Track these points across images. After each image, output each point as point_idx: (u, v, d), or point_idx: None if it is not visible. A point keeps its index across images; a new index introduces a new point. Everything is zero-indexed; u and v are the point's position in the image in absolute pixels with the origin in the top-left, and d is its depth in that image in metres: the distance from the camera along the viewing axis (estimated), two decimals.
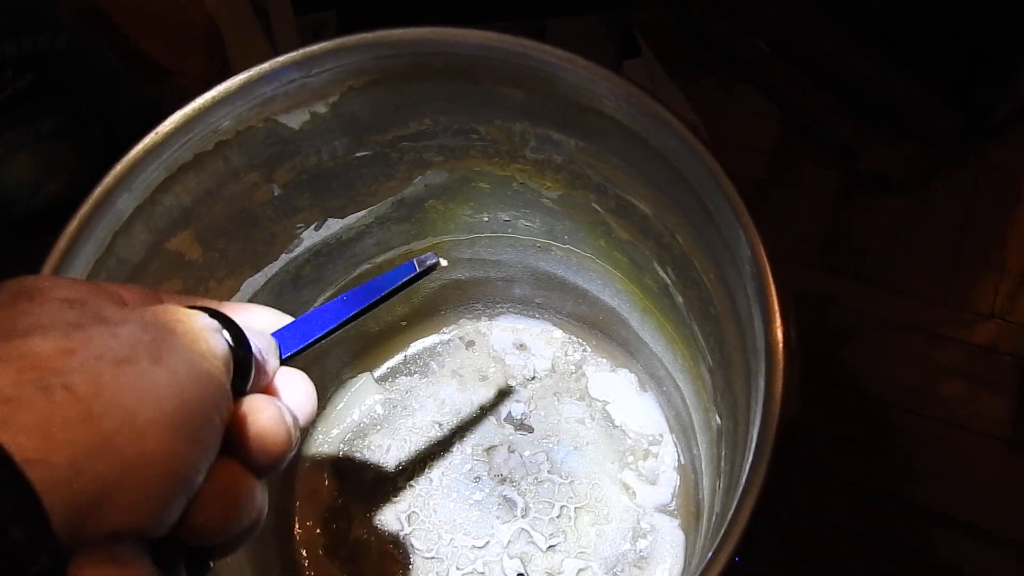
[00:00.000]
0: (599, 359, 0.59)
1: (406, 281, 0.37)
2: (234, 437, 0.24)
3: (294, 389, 0.28)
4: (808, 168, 0.73)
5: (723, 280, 0.35)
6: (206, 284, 0.43)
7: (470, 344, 0.61)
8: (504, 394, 0.58)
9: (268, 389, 0.27)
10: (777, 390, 0.28)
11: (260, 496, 0.25)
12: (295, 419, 0.26)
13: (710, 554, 0.27)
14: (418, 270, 0.36)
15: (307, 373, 0.48)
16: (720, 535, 0.28)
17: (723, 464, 0.40)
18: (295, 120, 0.40)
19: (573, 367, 0.59)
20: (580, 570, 0.53)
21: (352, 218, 0.48)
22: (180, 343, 0.22)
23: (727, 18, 0.77)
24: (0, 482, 0.17)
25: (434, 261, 0.36)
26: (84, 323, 0.21)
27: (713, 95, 0.76)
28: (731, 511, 0.28)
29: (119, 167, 0.36)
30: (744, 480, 0.28)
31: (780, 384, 0.28)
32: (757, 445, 0.28)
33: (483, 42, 0.35)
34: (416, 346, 0.61)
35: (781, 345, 0.28)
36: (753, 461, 0.28)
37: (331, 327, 0.33)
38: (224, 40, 0.86)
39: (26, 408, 0.18)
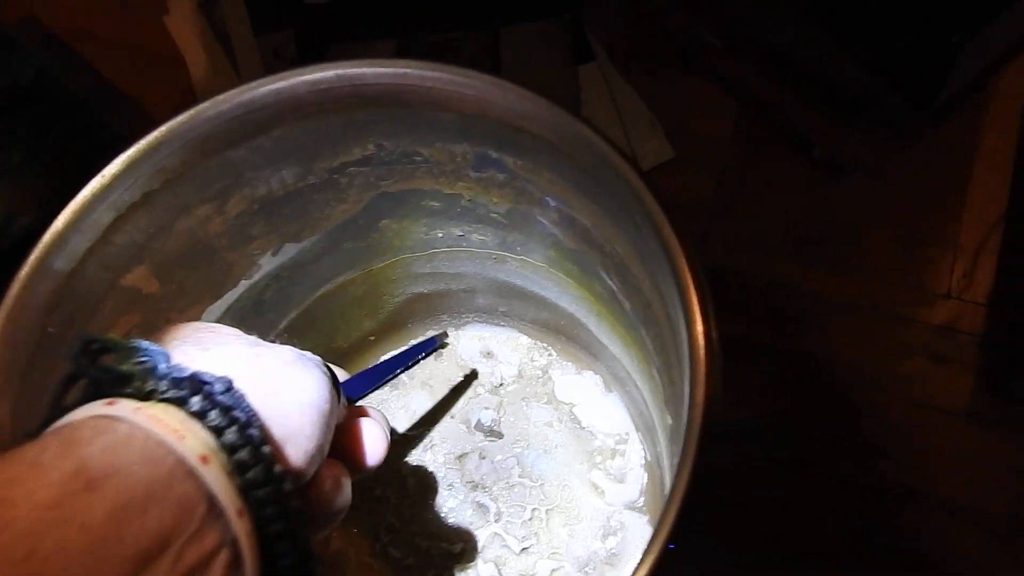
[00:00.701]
0: (565, 362, 0.60)
1: (428, 352, 0.52)
2: (346, 446, 0.34)
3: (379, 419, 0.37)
4: (766, 157, 0.74)
5: (656, 286, 0.37)
6: (166, 315, 0.44)
7: (438, 355, 0.62)
8: (473, 402, 0.60)
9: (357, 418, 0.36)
10: (699, 393, 0.29)
11: (350, 490, 0.33)
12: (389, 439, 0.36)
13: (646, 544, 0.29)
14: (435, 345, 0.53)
15: None
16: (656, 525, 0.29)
17: (674, 462, 0.42)
18: (241, 154, 0.41)
19: (540, 371, 0.61)
20: (553, 570, 0.54)
21: (308, 241, 0.49)
22: (312, 363, 0.32)
23: (679, 12, 0.78)
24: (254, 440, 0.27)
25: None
26: (256, 344, 0.31)
27: (670, 89, 0.77)
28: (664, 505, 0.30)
29: (68, 211, 0.37)
30: (674, 476, 0.29)
31: (702, 387, 0.29)
32: (684, 444, 0.29)
33: (411, 72, 0.37)
34: (386, 359, 0.62)
35: (702, 349, 0.30)
36: (681, 459, 0.29)
37: (379, 383, 0.45)
38: (187, 64, 0.87)
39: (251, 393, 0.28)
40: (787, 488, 0.62)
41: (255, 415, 0.27)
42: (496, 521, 0.56)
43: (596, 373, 0.59)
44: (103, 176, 0.37)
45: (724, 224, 0.72)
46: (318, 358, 0.33)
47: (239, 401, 0.27)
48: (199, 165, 0.40)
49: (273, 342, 0.53)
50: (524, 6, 0.80)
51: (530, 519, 0.56)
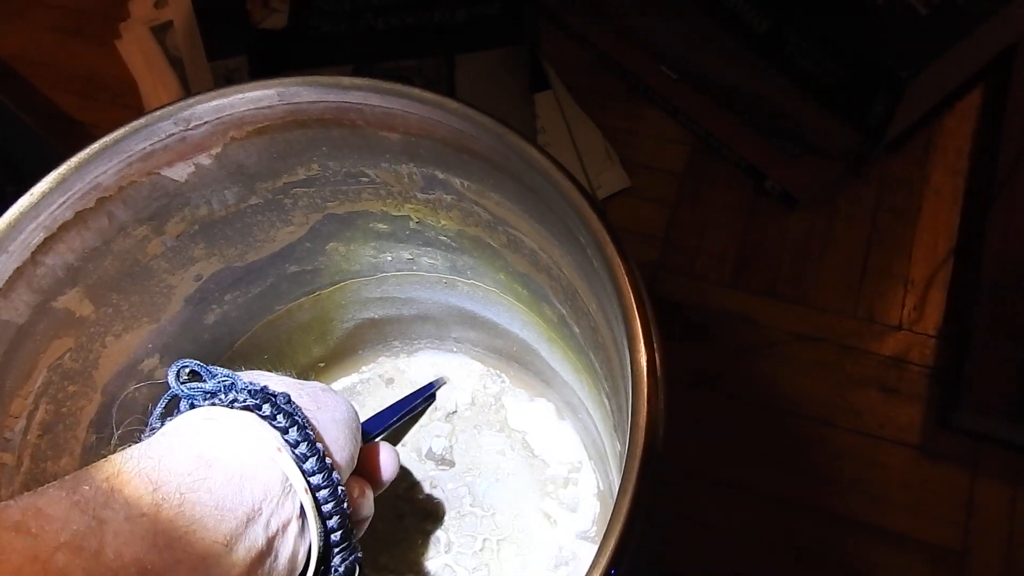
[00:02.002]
0: (517, 390, 0.60)
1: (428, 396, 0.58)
2: (365, 466, 0.41)
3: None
4: (719, 189, 0.75)
5: (602, 310, 0.36)
6: (102, 339, 0.43)
7: (389, 382, 0.61)
8: (424, 430, 0.58)
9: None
10: (640, 417, 0.28)
11: (372, 501, 0.40)
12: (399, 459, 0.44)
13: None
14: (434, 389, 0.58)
15: None
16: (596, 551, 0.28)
17: None
18: (179, 173, 0.40)
19: (492, 399, 0.60)
20: None
21: (253, 265, 0.48)
22: (338, 393, 0.39)
23: (633, 47, 0.79)
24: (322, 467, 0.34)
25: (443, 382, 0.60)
26: (294, 379, 0.38)
27: (624, 122, 0.78)
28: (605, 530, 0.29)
29: None
30: (615, 502, 0.29)
31: (644, 411, 0.29)
32: (624, 470, 0.29)
33: (353, 91, 0.36)
34: (336, 386, 0.61)
35: (644, 373, 0.29)
36: (621, 485, 0.28)
37: (386, 428, 0.50)
38: (140, 90, 0.86)
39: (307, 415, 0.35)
40: (728, 512, 0.62)
41: (309, 420, 0.34)
42: (447, 552, 0.54)
43: (549, 400, 0.58)
44: (31, 194, 0.36)
45: (676, 254, 0.72)
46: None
47: (297, 409, 0.34)
48: (135, 184, 0.39)
49: (221, 367, 0.52)
50: (479, 35, 0.80)
51: (481, 549, 0.54)
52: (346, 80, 0.36)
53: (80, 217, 0.38)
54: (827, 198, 0.73)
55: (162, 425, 0.34)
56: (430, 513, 0.56)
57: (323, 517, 0.34)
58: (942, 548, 0.60)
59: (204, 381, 0.34)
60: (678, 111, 0.77)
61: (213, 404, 0.33)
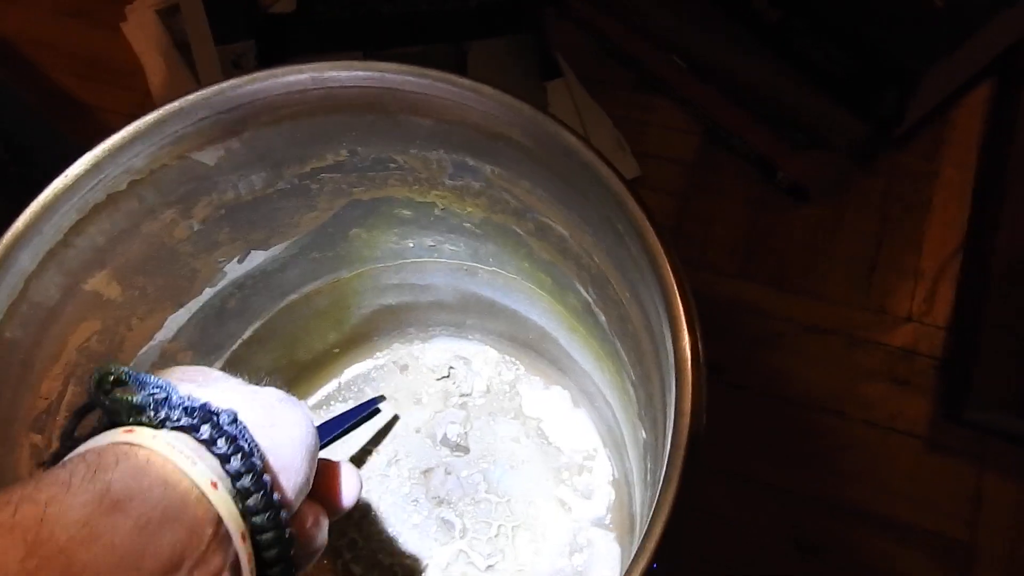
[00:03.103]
0: (532, 377, 0.60)
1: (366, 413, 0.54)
2: (322, 488, 0.34)
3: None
4: (728, 180, 0.75)
5: (637, 297, 0.36)
6: (128, 322, 0.43)
7: (404, 368, 0.61)
8: (439, 416, 0.59)
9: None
10: (686, 404, 0.29)
11: (327, 530, 0.34)
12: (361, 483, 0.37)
13: (628, 563, 0.28)
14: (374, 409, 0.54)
15: None
16: (637, 545, 0.28)
17: (648, 477, 0.41)
18: (209, 156, 0.40)
19: (507, 386, 0.60)
20: None
21: (276, 249, 0.48)
22: (300, 404, 0.33)
23: (643, 37, 0.79)
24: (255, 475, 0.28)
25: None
26: (247, 384, 0.32)
27: (634, 111, 0.78)
28: (647, 522, 0.29)
29: (28, 212, 0.35)
30: (659, 492, 0.29)
31: (688, 398, 0.29)
32: (669, 458, 0.29)
33: (389, 76, 0.36)
34: (350, 372, 0.61)
35: (689, 361, 0.29)
36: (666, 474, 0.29)
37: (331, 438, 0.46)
38: (146, 73, 0.85)
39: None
40: (734, 502, 0.62)
41: (257, 445, 0.28)
42: (461, 538, 0.55)
43: (564, 388, 0.58)
44: (66, 176, 0.36)
45: (686, 245, 0.72)
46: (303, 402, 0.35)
47: (243, 431, 0.28)
48: (166, 167, 0.39)
49: (234, 352, 0.52)
50: (489, 23, 0.80)
51: (496, 536, 0.55)
52: (382, 64, 0.36)
53: (112, 199, 0.38)
54: (837, 190, 0.73)
55: (72, 447, 0.28)
56: (444, 499, 0.56)
57: (263, 564, 0.28)
58: (949, 540, 0.60)
59: (133, 391, 0.28)
60: (688, 101, 0.77)
61: (139, 423, 0.27)
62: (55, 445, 0.37)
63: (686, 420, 0.29)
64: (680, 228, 0.73)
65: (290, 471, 0.30)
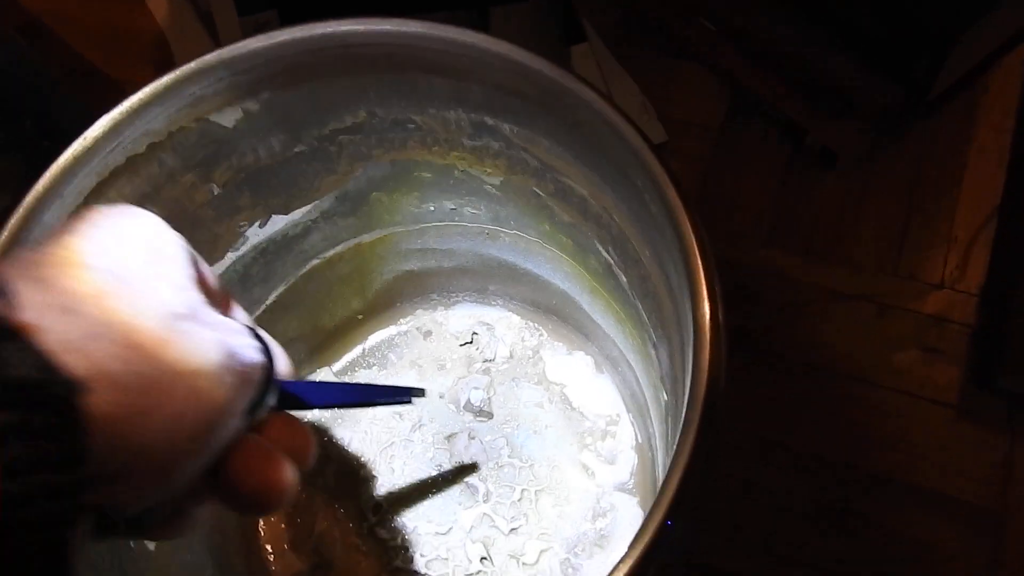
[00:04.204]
0: (555, 343, 0.60)
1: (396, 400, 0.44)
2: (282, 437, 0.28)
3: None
4: (756, 146, 0.74)
5: (657, 257, 0.36)
6: None
7: (427, 334, 0.61)
8: (463, 382, 0.59)
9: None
10: (703, 365, 0.28)
11: (289, 477, 0.28)
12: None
13: (644, 519, 0.28)
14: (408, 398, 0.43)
15: None
16: (653, 502, 0.28)
17: (669, 438, 0.41)
18: (228, 118, 0.40)
19: (530, 352, 0.60)
20: (542, 551, 0.53)
21: (297, 213, 0.48)
22: (244, 351, 0.25)
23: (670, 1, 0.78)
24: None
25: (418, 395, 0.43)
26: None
27: (660, 76, 0.77)
28: (664, 479, 0.29)
29: (48, 175, 0.36)
30: (674, 451, 0.28)
31: (706, 354, 0.28)
32: (685, 418, 0.29)
33: (405, 30, 0.36)
34: (374, 339, 0.61)
35: (707, 316, 0.29)
36: (681, 433, 0.28)
37: (323, 404, 0.36)
38: (171, 46, 0.85)
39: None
40: (763, 469, 0.62)
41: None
42: (485, 501, 0.55)
43: (587, 354, 0.58)
44: (84, 139, 0.36)
45: (712, 211, 0.71)
46: (257, 343, 0.27)
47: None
48: (184, 129, 0.39)
49: (258, 318, 0.53)
50: None
51: (519, 500, 0.55)
52: (397, 21, 0.35)
53: (131, 163, 0.38)
54: (868, 156, 0.72)
55: None
56: (468, 464, 0.56)
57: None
58: (978, 508, 0.59)
59: None
60: (716, 65, 0.76)
61: None
62: None
63: (703, 377, 0.28)
64: (706, 194, 0.72)
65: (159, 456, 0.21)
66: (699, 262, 0.30)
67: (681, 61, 0.78)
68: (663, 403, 0.44)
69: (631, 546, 0.28)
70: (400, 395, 0.43)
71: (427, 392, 0.47)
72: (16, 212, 0.34)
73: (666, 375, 0.41)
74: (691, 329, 0.30)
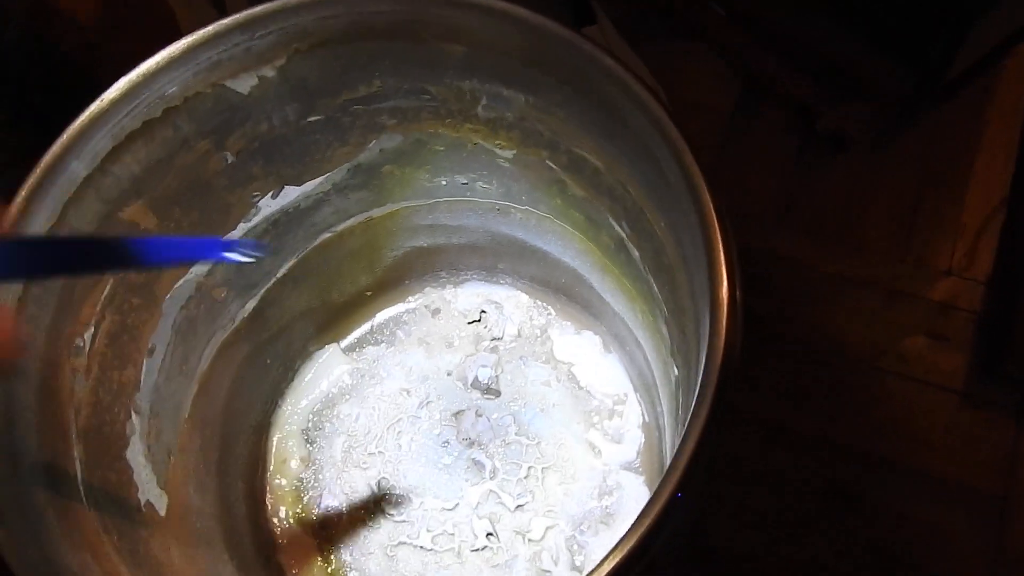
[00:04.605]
0: (564, 322, 0.60)
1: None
2: None
3: None
4: (766, 129, 0.74)
5: (673, 228, 0.36)
6: None
7: (436, 312, 0.61)
8: (471, 359, 0.59)
9: None
10: (720, 333, 0.28)
11: None
12: None
13: (655, 488, 0.28)
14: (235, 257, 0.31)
15: (272, 347, 0.50)
16: (665, 472, 0.28)
17: (680, 413, 0.41)
18: (243, 85, 0.40)
19: (538, 331, 0.60)
20: (548, 528, 0.53)
21: (309, 185, 0.48)
22: None
23: None
24: None
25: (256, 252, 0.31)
26: None
27: (671, 59, 0.77)
28: (676, 450, 0.29)
29: (66, 135, 0.36)
30: (687, 421, 0.28)
31: (723, 327, 0.29)
32: (700, 387, 0.29)
33: None
34: (382, 316, 0.61)
35: (725, 287, 0.29)
36: (696, 401, 0.28)
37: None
38: (179, 22, 0.85)
39: None
40: (769, 452, 0.62)
41: None
42: (492, 478, 0.55)
43: (595, 333, 0.58)
44: (101, 100, 0.36)
45: (724, 195, 0.71)
46: None
47: None
48: (200, 95, 0.39)
49: (269, 290, 0.53)
50: None
51: (526, 477, 0.55)
52: None
53: (147, 127, 0.38)
54: (879, 142, 0.72)
55: None
56: (475, 440, 0.56)
57: None
58: (983, 494, 0.60)
59: None
60: (727, 50, 0.76)
61: None
62: (96, 369, 0.38)
63: (719, 344, 0.28)
64: (717, 179, 0.71)
65: None
66: (717, 231, 0.30)
67: (692, 45, 0.77)
68: (674, 378, 0.44)
69: (641, 515, 0.28)
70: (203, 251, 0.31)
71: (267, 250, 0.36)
72: (35, 171, 0.35)
73: (677, 349, 0.41)
74: (707, 299, 0.30)
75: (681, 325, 0.39)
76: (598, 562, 0.28)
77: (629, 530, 0.28)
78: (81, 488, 0.36)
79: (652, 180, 0.36)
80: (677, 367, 0.42)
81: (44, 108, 0.66)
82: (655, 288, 0.43)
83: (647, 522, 0.27)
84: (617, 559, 0.27)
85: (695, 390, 0.30)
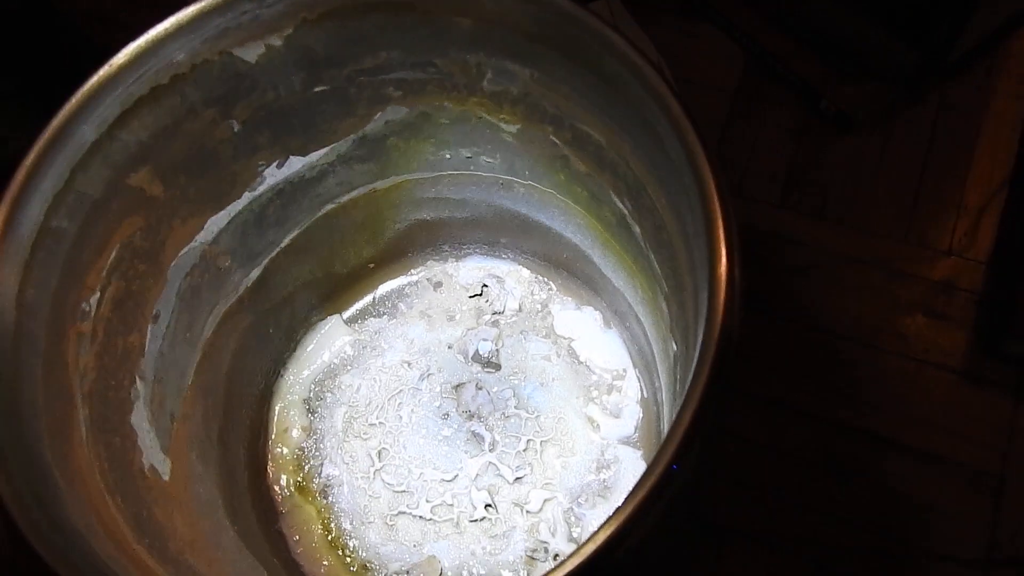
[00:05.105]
0: (564, 298, 0.60)
1: None
2: None
3: None
4: (770, 108, 0.73)
5: (673, 205, 0.36)
6: (169, 222, 0.44)
7: (438, 285, 0.62)
8: (472, 333, 0.59)
9: None
10: (718, 308, 0.29)
11: None
12: None
13: (651, 460, 0.28)
14: None
15: (275, 317, 0.51)
16: (661, 445, 0.29)
17: (677, 388, 0.42)
18: (250, 53, 0.40)
19: (539, 306, 0.60)
20: (546, 500, 0.54)
21: (314, 155, 0.48)
22: None
23: None
24: None
25: None
26: None
27: (676, 37, 0.76)
28: (673, 423, 0.29)
29: (75, 99, 0.36)
30: (685, 393, 0.29)
31: (721, 302, 0.29)
32: (698, 361, 0.29)
33: None
34: (384, 288, 0.62)
35: (724, 260, 0.29)
36: (693, 375, 0.29)
37: None
38: None
39: None
40: (768, 430, 0.62)
41: None
42: (491, 451, 0.56)
43: (596, 309, 0.59)
44: (110, 66, 0.36)
45: (727, 173, 0.71)
46: None
47: None
48: (208, 63, 0.39)
49: (272, 260, 0.53)
50: None
51: (525, 450, 0.56)
52: None
53: (155, 93, 0.38)
54: (883, 120, 0.72)
55: None
56: (475, 413, 0.57)
57: None
58: (980, 472, 0.60)
59: None
60: (733, 27, 0.76)
61: None
62: (101, 334, 0.39)
63: (717, 319, 0.29)
64: (720, 156, 0.72)
65: None
66: (718, 207, 0.30)
67: (698, 22, 0.77)
68: (672, 354, 0.44)
69: (636, 486, 0.29)
70: None
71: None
72: (44, 134, 0.35)
73: (676, 325, 0.42)
74: (707, 275, 0.30)
75: (680, 301, 0.39)
76: (593, 532, 0.28)
77: (625, 500, 0.29)
78: (87, 450, 0.37)
79: (654, 156, 0.36)
80: (676, 343, 0.42)
81: (49, 74, 0.66)
82: (655, 264, 0.43)
83: (642, 493, 0.27)
84: (612, 528, 0.27)
85: (693, 366, 0.30)
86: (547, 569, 0.53)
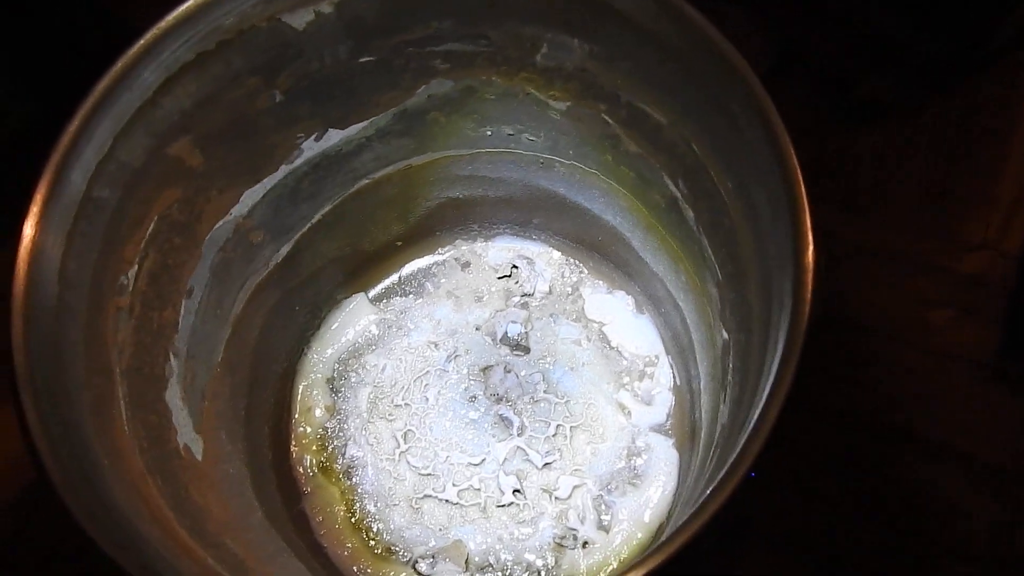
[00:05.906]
0: (596, 281, 0.59)
1: None
2: None
3: None
4: (800, 96, 0.72)
5: (742, 188, 0.35)
6: (207, 193, 0.42)
7: (466, 265, 0.60)
8: (500, 315, 0.58)
9: None
10: (806, 297, 0.28)
11: None
12: None
13: (728, 464, 0.27)
14: None
15: (301, 294, 0.49)
16: (744, 438, 0.28)
17: (730, 377, 0.41)
18: (299, 20, 0.38)
19: (570, 289, 0.59)
20: (575, 487, 0.53)
21: (353, 129, 0.47)
22: None
23: None
24: None
25: None
26: None
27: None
28: (754, 417, 0.28)
29: (119, 64, 0.34)
30: (771, 383, 0.28)
31: (808, 291, 0.28)
32: (782, 357, 0.28)
33: None
34: (411, 267, 0.61)
35: (811, 250, 0.28)
36: (780, 365, 0.28)
37: None
38: None
39: None
40: (785, 419, 0.61)
41: None
42: (519, 435, 0.55)
43: (628, 294, 0.58)
44: (158, 28, 0.35)
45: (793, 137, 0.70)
46: None
47: None
48: (255, 28, 0.38)
49: (303, 235, 0.52)
50: None
51: (554, 435, 0.55)
52: None
53: (200, 59, 0.37)
54: (914, 111, 0.71)
55: None
56: (503, 396, 0.56)
57: None
58: (1000, 469, 0.60)
59: None
60: (761, 13, 0.74)
61: None
62: (138, 308, 0.37)
63: (804, 309, 0.28)
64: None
65: None
66: (803, 191, 0.29)
67: (728, 8, 0.76)
68: (720, 342, 0.43)
69: (715, 489, 0.28)
70: None
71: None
72: (87, 101, 0.33)
73: (731, 313, 0.41)
74: (791, 261, 0.29)
75: (739, 288, 0.38)
76: (672, 533, 0.27)
77: (702, 503, 0.28)
78: (127, 428, 0.36)
79: (723, 139, 0.35)
80: (728, 332, 0.41)
81: (67, 40, 0.64)
82: (708, 250, 0.42)
83: (727, 491, 0.27)
84: (695, 527, 0.26)
85: (771, 355, 0.29)
86: (575, 556, 0.52)
